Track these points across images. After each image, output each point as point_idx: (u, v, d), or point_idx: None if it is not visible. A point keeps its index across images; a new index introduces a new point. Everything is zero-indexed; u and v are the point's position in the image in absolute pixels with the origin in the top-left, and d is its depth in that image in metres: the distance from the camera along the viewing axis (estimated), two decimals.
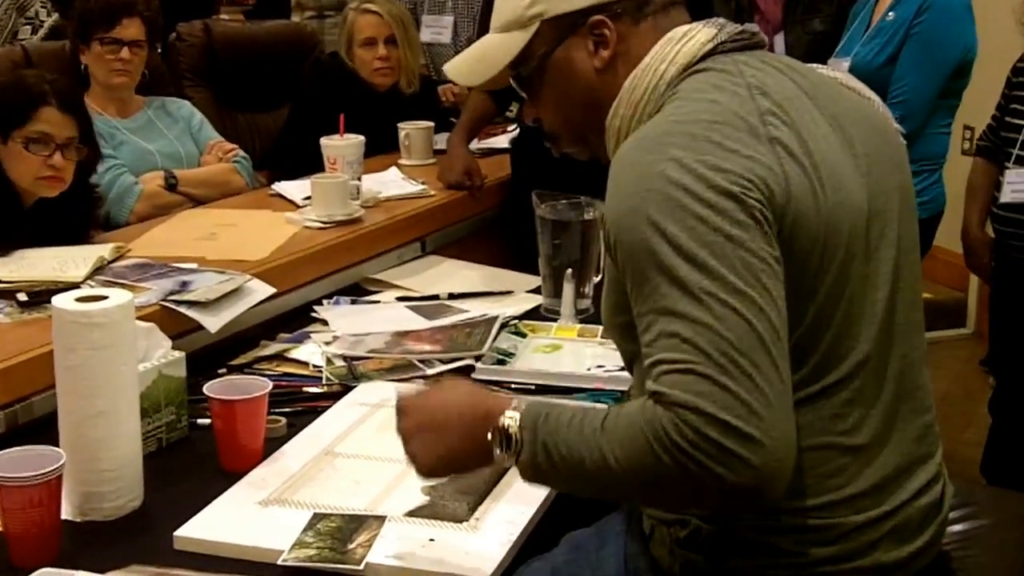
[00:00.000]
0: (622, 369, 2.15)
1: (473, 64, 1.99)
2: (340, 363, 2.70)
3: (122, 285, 2.64)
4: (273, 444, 2.28)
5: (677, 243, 1.57)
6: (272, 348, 2.80)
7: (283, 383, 2.58)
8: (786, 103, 1.73)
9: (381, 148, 4.15)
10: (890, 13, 4.05)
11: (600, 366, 2.63)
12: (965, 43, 3.99)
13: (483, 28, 2.52)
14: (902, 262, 1.79)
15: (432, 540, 1.94)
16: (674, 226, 1.57)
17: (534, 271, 3.16)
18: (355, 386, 2.58)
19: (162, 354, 2.34)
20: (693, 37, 1.81)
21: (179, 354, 2.36)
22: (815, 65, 1.94)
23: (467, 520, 2.00)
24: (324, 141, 3.61)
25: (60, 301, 2.01)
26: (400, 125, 4.26)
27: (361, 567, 1.85)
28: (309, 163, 3.70)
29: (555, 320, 2.94)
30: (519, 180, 3.85)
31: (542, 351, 2.75)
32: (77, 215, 3.17)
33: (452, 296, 3.16)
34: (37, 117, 3.02)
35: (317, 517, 2.00)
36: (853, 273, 1.70)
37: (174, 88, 4.46)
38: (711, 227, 1.57)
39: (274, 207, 3.60)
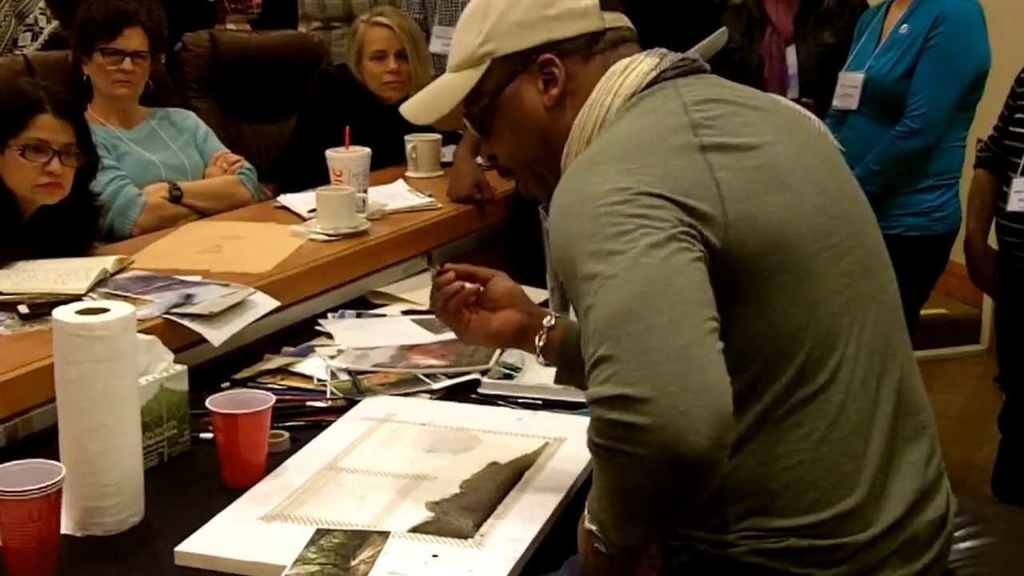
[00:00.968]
0: None
1: (428, 102, 2.05)
2: (345, 377, 2.68)
3: (125, 298, 2.63)
4: (276, 459, 2.26)
5: (587, 239, 1.60)
6: (276, 362, 2.78)
7: (287, 397, 2.57)
8: (725, 113, 1.77)
9: (388, 161, 4.15)
10: (903, 26, 4.06)
11: None
12: (981, 54, 4.01)
13: None
14: (875, 265, 1.81)
15: (435, 556, 1.92)
16: (581, 228, 1.62)
17: (541, 284, 3.14)
18: (360, 400, 2.56)
19: (164, 367, 2.33)
20: (635, 68, 1.85)
21: (181, 367, 2.34)
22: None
23: (472, 537, 1.98)
24: (330, 153, 3.60)
25: (61, 314, 2.00)
26: (407, 137, 4.24)
27: None
28: (316, 175, 3.68)
29: None
30: (521, 192, 3.83)
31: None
32: (78, 224, 3.15)
33: None
34: (33, 124, 3.00)
35: (320, 533, 1.98)
36: (822, 271, 1.71)
37: (179, 98, 4.44)
38: (608, 219, 1.60)
39: (279, 219, 3.60)
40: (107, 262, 2.94)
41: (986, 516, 2.07)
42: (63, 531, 1.94)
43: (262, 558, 1.91)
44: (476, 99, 1.96)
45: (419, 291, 3.34)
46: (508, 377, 2.66)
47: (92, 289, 2.77)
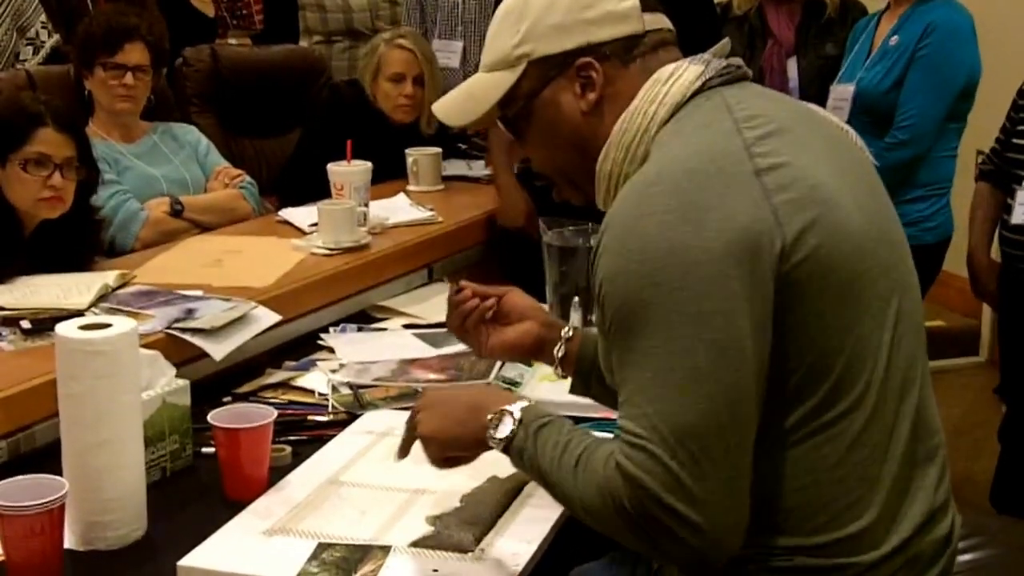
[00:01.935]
0: None
1: (461, 104, 2.00)
2: (346, 391, 2.69)
3: (126, 312, 2.63)
4: (278, 473, 2.26)
5: (654, 315, 1.61)
6: (278, 376, 2.79)
7: (288, 411, 2.57)
8: (775, 130, 1.73)
9: (390, 175, 4.15)
10: (893, 37, 4.06)
11: None
12: (970, 64, 4.00)
13: None
14: (905, 286, 1.79)
15: (436, 571, 1.92)
16: (653, 295, 1.61)
17: (541, 298, 3.15)
18: (361, 414, 2.57)
19: (166, 382, 2.33)
20: (681, 76, 1.81)
21: (183, 382, 2.35)
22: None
23: (472, 551, 1.98)
24: (331, 167, 3.60)
25: (63, 329, 2.00)
26: (408, 151, 4.25)
27: None
28: (321, 189, 3.68)
29: None
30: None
31: (549, 379, 2.72)
32: (79, 239, 3.15)
33: None
34: (34, 138, 3.01)
35: (322, 547, 1.98)
36: (860, 293, 1.69)
37: (180, 113, 4.45)
38: (689, 297, 1.60)
39: (280, 233, 3.60)
40: (109, 277, 2.94)
41: (986, 528, 2.07)
42: (66, 546, 1.94)
43: (264, 572, 1.92)
44: (511, 102, 1.91)
45: (420, 305, 3.35)
46: (508, 391, 2.65)
47: (94, 304, 2.77)
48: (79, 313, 2.60)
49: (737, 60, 1.87)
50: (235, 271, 3.17)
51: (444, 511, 2.09)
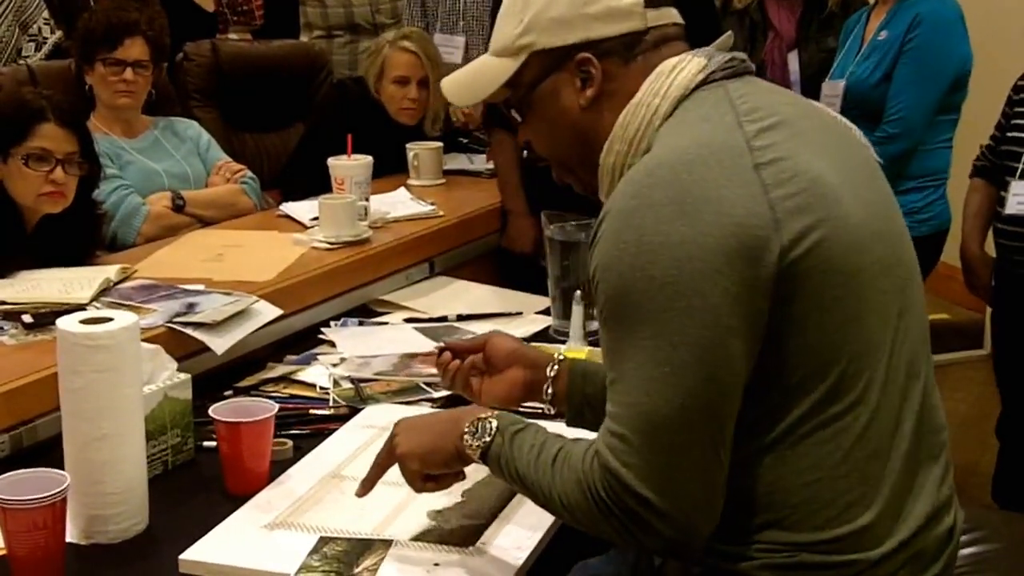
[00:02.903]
0: None
1: (467, 83, 2.01)
2: (347, 385, 2.69)
3: (128, 307, 2.64)
4: (279, 467, 2.27)
5: (644, 307, 1.62)
6: (279, 370, 2.79)
7: (290, 405, 2.57)
8: (776, 124, 1.73)
9: (391, 169, 4.15)
10: (883, 32, 4.05)
11: None
12: (960, 55, 3.99)
13: None
14: (907, 280, 1.79)
15: (437, 565, 1.93)
16: (645, 287, 1.62)
17: (543, 292, 3.15)
18: (362, 408, 2.57)
19: (168, 376, 2.33)
20: (684, 69, 1.80)
21: (185, 376, 2.35)
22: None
23: (473, 545, 1.98)
24: (332, 161, 3.60)
25: (65, 323, 2.00)
26: (409, 146, 4.26)
27: None
28: (322, 183, 3.68)
29: (564, 342, 2.93)
30: (528, 201, 3.84)
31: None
32: (81, 234, 3.16)
33: (461, 317, 3.16)
34: (36, 133, 3.01)
35: (323, 541, 1.98)
36: (862, 288, 1.69)
37: (181, 108, 4.45)
38: (679, 291, 1.60)
39: (281, 228, 3.60)
40: (110, 271, 2.95)
41: (989, 522, 2.06)
42: (68, 539, 1.94)
43: (266, 566, 1.92)
44: (514, 88, 1.92)
45: (421, 299, 3.35)
46: None
47: (95, 298, 2.77)
48: (81, 307, 2.60)
49: (741, 55, 1.86)
50: (236, 265, 3.18)
51: (445, 505, 2.09)
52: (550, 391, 2.13)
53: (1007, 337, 4.05)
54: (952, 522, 1.81)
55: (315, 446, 2.38)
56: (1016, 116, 3.89)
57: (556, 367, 2.14)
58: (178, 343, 2.58)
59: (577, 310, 2.88)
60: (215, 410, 2.20)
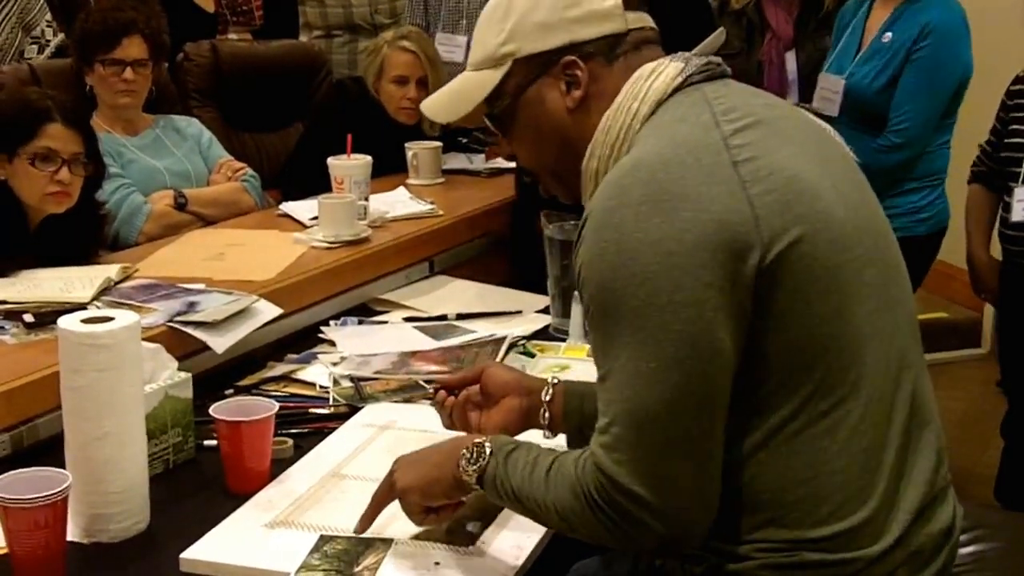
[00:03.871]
0: None
1: (448, 101, 2.02)
2: (347, 384, 2.69)
3: (129, 306, 2.64)
4: (280, 466, 2.27)
5: (628, 304, 1.64)
6: (279, 369, 2.79)
7: (290, 404, 2.57)
8: (754, 123, 1.75)
9: (390, 169, 4.15)
10: (887, 34, 4.02)
11: None
12: (964, 64, 3.99)
13: None
14: (893, 275, 1.81)
15: (438, 564, 1.93)
16: (626, 285, 1.64)
17: (542, 291, 3.15)
18: (362, 407, 2.57)
19: (168, 375, 2.34)
20: (662, 72, 1.82)
21: (185, 375, 2.35)
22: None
23: (473, 544, 1.99)
24: (331, 161, 3.61)
25: (66, 322, 2.01)
26: (408, 145, 4.26)
27: None
28: (323, 183, 3.69)
29: (564, 340, 2.94)
30: (527, 200, 3.84)
31: (551, 371, 2.74)
32: (84, 233, 3.16)
33: (460, 316, 3.16)
34: (42, 133, 3.01)
35: (324, 539, 1.99)
36: (846, 282, 1.70)
37: (181, 108, 4.44)
38: (661, 287, 1.62)
39: (282, 227, 3.60)
40: (111, 270, 2.95)
41: (990, 522, 2.06)
42: (69, 538, 1.94)
43: (266, 565, 1.92)
44: (497, 99, 1.93)
45: (421, 298, 3.35)
46: None
47: (96, 298, 2.77)
48: (82, 306, 2.61)
49: (717, 59, 1.89)
50: (237, 264, 3.18)
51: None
52: (547, 415, 2.12)
53: (1014, 338, 4.05)
54: (950, 518, 1.81)
55: (315, 445, 2.39)
56: (1012, 121, 3.89)
57: (551, 391, 2.13)
58: (179, 342, 2.58)
59: (576, 308, 2.89)
60: (216, 409, 2.20)
